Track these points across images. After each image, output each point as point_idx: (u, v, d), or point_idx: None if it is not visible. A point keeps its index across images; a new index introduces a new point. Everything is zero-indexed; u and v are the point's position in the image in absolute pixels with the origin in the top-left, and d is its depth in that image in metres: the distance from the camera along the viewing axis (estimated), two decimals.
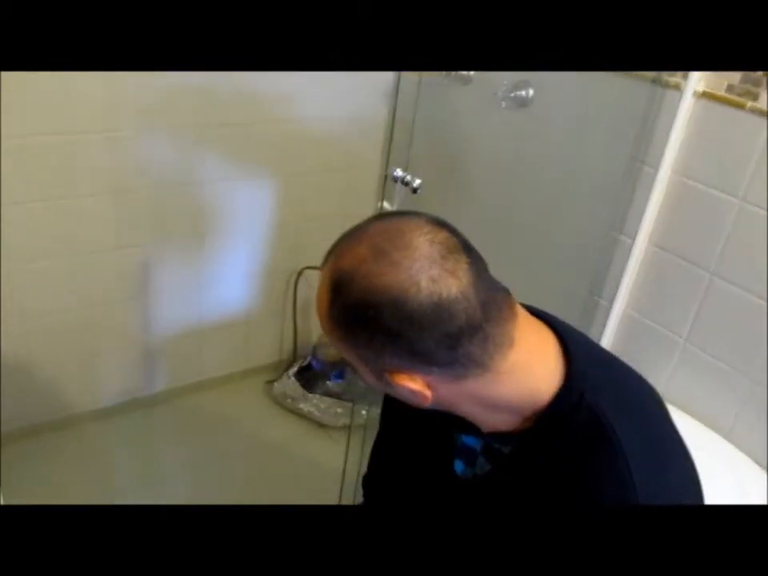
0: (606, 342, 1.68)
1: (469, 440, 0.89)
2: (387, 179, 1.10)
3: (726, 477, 1.42)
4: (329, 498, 2.05)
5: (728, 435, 1.51)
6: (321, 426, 2.33)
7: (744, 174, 1.38)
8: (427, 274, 0.68)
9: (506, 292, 0.76)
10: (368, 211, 2.39)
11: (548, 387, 0.78)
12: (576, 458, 0.76)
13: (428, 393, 0.76)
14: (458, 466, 0.92)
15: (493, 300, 0.72)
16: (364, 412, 2.29)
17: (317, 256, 2.43)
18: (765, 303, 1.40)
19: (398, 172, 1.11)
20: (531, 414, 0.79)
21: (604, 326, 1.67)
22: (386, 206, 1.11)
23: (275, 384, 2.40)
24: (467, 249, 0.72)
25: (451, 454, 0.92)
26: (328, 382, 2.40)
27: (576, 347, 0.81)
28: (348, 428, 2.29)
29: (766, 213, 1.37)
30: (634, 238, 1.57)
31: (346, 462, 1.36)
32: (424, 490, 0.98)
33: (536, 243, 1.65)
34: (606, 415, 0.76)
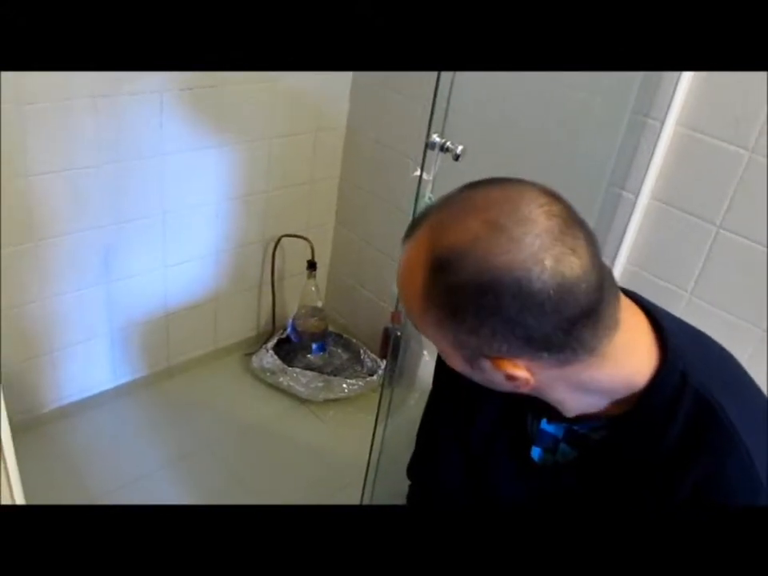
0: None
1: (549, 426, 0.85)
2: (426, 147, 1.01)
3: None
4: (319, 478, 2.00)
5: None
6: (302, 401, 2.26)
7: (755, 125, 1.36)
8: (550, 252, 0.61)
9: (608, 267, 0.70)
10: (335, 176, 2.33)
11: (646, 368, 0.73)
12: (689, 445, 0.72)
13: (532, 379, 0.70)
14: (535, 452, 0.87)
15: (605, 279, 0.67)
16: (345, 386, 2.24)
17: (292, 224, 2.34)
18: None
19: (436, 138, 1.03)
20: (626, 397, 0.75)
21: None
22: (425, 176, 1.03)
23: (253, 358, 2.32)
24: (580, 221, 0.66)
25: (528, 440, 0.87)
26: (309, 355, 2.33)
27: (669, 323, 0.76)
28: (329, 402, 2.25)
29: None
30: (637, 194, 1.54)
31: (372, 447, 1.30)
32: (495, 478, 0.93)
33: None
34: (714, 395, 0.72)
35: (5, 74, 1.52)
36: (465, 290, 0.63)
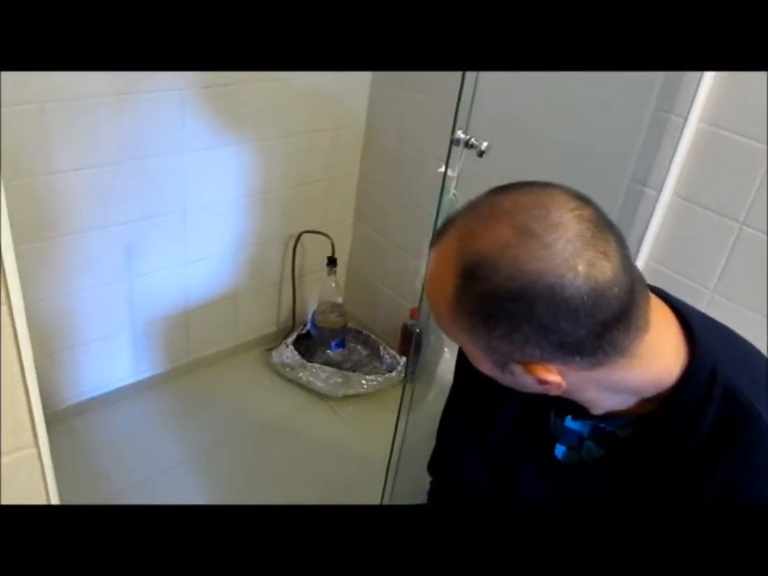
0: None
1: (574, 424, 0.85)
2: (451, 143, 1.01)
3: None
4: (338, 474, 2.01)
5: None
6: (321, 397, 2.27)
7: None
8: (582, 257, 0.61)
9: (637, 268, 0.70)
10: (354, 172, 2.33)
11: (675, 366, 0.74)
12: (719, 443, 0.72)
13: (563, 383, 0.70)
14: (559, 450, 0.87)
15: (636, 281, 0.67)
16: (363, 382, 2.24)
17: (312, 220, 2.33)
18: None
19: (461, 135, 1.03)
20: (655, 395, 0.75)
21: None
22: (450, 172, 1.03)
23: (273, 353, 2.33)
24: (610, 224, 0.66)
25: (551, 438, 0.87)
26: (328, 351, 2.34)
27: (696, 319, 0.76)
28: (348, 397, 2.25)
29: None
30: (659, 190, 1.53)
31: (393, 443, 1.30)
32: (517, 476, 0.94)
33: None
34: (744, 392, 0.72)
35: (27, 73, 1.53)
36: (497, 297, 0.63)
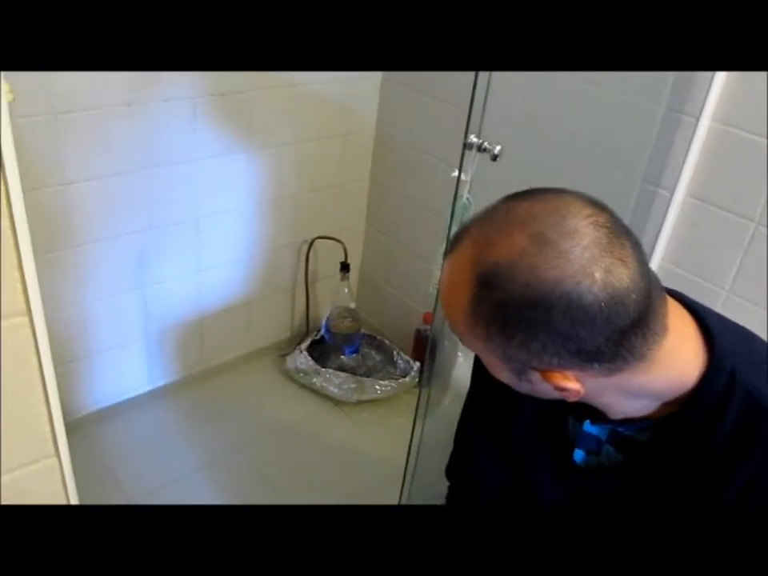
0: None
1: (592, 428, 0.84)
2: (464, 147, 1.01)
3: None
4: (352, 479, 2.01)
5: None
6: (336, 402, 2.27)
7: None
8: (599, 264, 0.61)
9: (654, 272, 0.70)
10: (365, 178, 2.33)
11: (693, 369, 0.73)
12: (739, 446, 0.72)
13: (582, 389, 0.70)
14: (578, 455, 0.87)
15: (653, 286, 0.66)
16: (377, 387, 2.24)
17: (324, 226, 2.33)
18: None
19: (473, 138, 1.03)
20: (674, 398, 0.74)
21: None
22: (463, 177, 1.03)
23: (287, 359, 2.34)
24: (626, 229, 0.66)
25: (570, 443, 0.86)
26: (342, 356, 2.34)
27: (714, 322, 0.76)
28: (362, 403, 2.25)
29: None
30: (672, 191, 1.53)
31: (410, 448, 1.30)
32: (536, 480, 0.93)
33: None
34: (764, 393, 0.72)
35: (38, 83, 1.55)
36: (514, 306, 0.63)
